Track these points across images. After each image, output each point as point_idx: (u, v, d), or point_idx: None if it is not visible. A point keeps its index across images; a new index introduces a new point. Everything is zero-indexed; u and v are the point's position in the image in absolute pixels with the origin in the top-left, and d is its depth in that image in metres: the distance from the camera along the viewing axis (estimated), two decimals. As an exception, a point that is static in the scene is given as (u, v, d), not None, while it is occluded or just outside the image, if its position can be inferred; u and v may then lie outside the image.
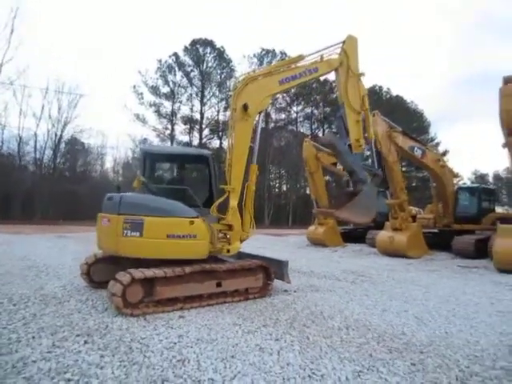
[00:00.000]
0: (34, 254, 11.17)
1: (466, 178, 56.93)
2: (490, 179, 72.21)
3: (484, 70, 73.66)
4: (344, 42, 8.16)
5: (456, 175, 17.07)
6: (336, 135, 8.52)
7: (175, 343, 4.41)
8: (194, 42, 46.57)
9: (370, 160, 8.92)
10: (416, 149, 15.32)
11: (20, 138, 36.77)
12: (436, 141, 56.87)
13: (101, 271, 6.94)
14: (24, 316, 5.20)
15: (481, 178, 71.74)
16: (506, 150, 10.56)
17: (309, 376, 3.73)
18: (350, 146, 8.09)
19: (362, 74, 8.22)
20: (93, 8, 71.54)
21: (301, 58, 7.70)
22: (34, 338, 4.41)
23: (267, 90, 7.27)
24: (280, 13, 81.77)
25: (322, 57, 7.87)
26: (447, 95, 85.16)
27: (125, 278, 5.37)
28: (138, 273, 5.49)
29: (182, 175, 8.16)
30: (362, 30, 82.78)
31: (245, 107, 6.77)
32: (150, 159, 7.36)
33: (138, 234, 5.97)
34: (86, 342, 4.33)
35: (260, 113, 7.40)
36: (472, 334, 5.24)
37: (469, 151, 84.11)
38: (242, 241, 7.10)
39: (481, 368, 4.10)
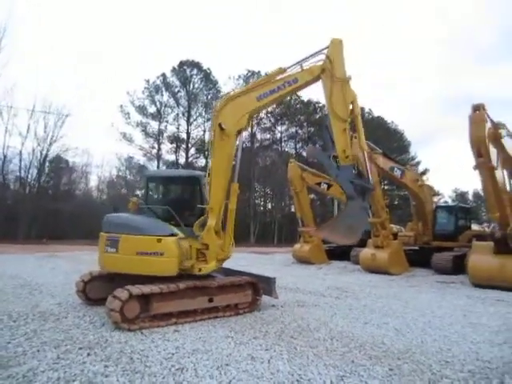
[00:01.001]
0: (25, 273, 11.27)
1: (446, 195, 58.74)
2: (470, 197, 74.31)
3: (465, 92, 76.88)
4: (328, 47, 7.58)
5: (436, 193, 17.89)
6: (319, 148, 8.93)
7: (173, 354, 4.75)
8: (181, 64, 47.44)
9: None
10: (396, 169, 16.12)
11: (4, 157, 36.49)
12: (416, 160, 58.55)
13: (96, 289, 7.23)
14: (26, 332, 5.46)
15: (461, 195, 73.73)
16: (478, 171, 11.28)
17: (297, 380, 4.13)
18: (336, 157, 7.49)
19: (349, 78, 7.44)
20: (83, 28, 72.28)
21: (281, 71, 7.45)
22: (38, 351, 4.70)
23: (244, 108, 7.27)
24: (266, 35, 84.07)
25: (302, 66, 7.50)
26: (428, 115, 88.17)
27: (123, 295, 5.69)
28: (136, 289, 5.82)
29: (179, 195, 8.53)
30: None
31: (220, 127, 7.07)
32: (151, 183, 8.00)
33: (114, 250, 6.63)
34: (89, 354, 4.63)
35: (240, 132, 7.40)
36: (445, 343, 5.72)
37: (449, 170, 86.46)
38: (220, 260, 7.14)
39: (451, 371, 4.57)
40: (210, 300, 6.58)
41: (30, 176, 38.45)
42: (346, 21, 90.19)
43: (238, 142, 7.50)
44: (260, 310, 7.30)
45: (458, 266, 14.55)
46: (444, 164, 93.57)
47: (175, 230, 6.80)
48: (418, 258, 16.54)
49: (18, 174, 38.36)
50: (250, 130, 50.69)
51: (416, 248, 17.57)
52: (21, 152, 37.08)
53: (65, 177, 45.25)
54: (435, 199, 17.89)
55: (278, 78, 7.48)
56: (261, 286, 7.38)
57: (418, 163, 57.85)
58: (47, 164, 40.39)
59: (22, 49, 56.41)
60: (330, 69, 7.38)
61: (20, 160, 37.31)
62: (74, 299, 7.51)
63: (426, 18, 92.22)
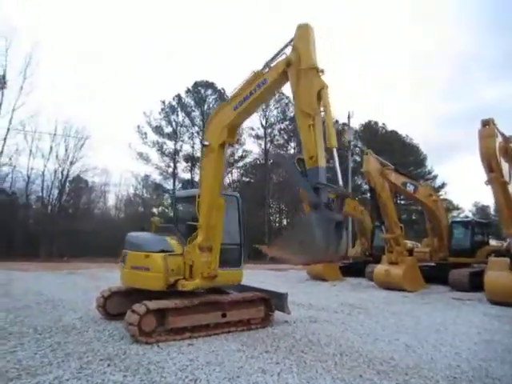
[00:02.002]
0: (47, 290, 11.72)
1: (466, 209, 57.61)
2: (492, 211, 72.62)
3: (485, 104, 76.37)
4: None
5: (456, 207, 17.84)
6: (282, 152, 8.27)
7: (187, 366, 5.01)
8: (196, 85, 48.70)
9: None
10: (408, 184, 16.15)
11: (28, 178, 37.93)
12: (433, 173, 57.94)
13: (115, 304, 7.56)
14: (50, 344, 5.81)
15: (482, 209, 72.05)
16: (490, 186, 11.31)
17: (305, 392, 4.31)
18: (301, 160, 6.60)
19: (321, 71, 6.39)
20: (101, 53, 75.06)
21: (257, 74, 6.97)
22: (63, 361, 5.03)
23: (223, 121, 7.20)
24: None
25: (268, 65, 6.92)
26: (447, 128, 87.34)
27: (141, 309, 6.00)
28: (152, 304, 6.12)
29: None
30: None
31: (202, 143, 7.37)
32: (179, 203, 8.58)
33: (123, 264, 7.41)
34: (109, 365, 4.93)
35: (223, 145, 7.28)
36: (455, 360, 5.80)
37: (470, 183, 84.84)
38: (206, 278, 6.93)
39: (457, 387, 4.67)
40: (223, 315, 6.82)
41: (51, 196, 39.80)
42: (363, 25, 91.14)
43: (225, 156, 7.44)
44: (272, 326, 7.49)
45: (476, 283, 14.31)
46: (465, 177, 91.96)
47: (171, 247, 7.10)
48: (434, 275, 16.35)
49: (40, 194, 39.76)
50: (263, 146, 51.49)
51: (432, 264, 17.41)
52: (43, 173, 38.51)
53: (84, 196, 46.43)
54: (455, 213, 17.80)
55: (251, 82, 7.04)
56: (273, 301, 7.59)
57: (435, 177, 57.28)
58: (68, 184, 41.70)
59: (44, 74, 58.78)
60: (296, 60, 6.45)
61: (42, 181, 38.71)
62: (95, 314, 7.84)
63: (448, 31, 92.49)
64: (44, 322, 7.30)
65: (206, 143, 7.24)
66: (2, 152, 35.06)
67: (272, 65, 6.85)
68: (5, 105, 34.91)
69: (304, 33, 6.54)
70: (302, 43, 6.49)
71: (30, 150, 37.35)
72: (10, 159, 35.95)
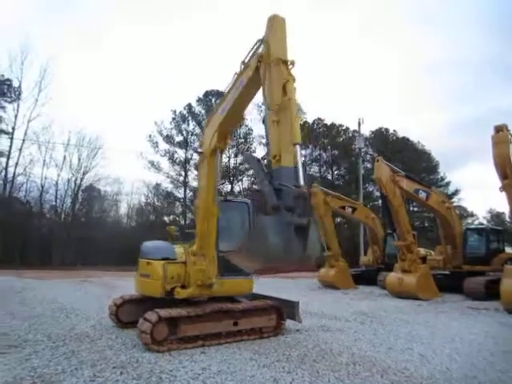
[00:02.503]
0: (61, 298, 11.86)
1: (481, 216, 56.71)
2: (507, 218, 71.26)
3: (495, 109, 75.44)
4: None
5: (470, 214, 17.60)
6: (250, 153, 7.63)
7: (199, 374, 5.01)
8: (206, 93, 49.20)
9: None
10: (420, 191, 15.95)
11: (42, 187, 38.60)
12: (446, 180, 57.29)
13: (127, 312, 7.61)
14: (64, 352, 5.87)
15: (496, 216, 70.74)
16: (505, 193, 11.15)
17: (318, 402, 4.27)
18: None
19: (291, 63, 6.00)
20: (113, 64, 76.43)
21: (236, 76, 6.75)
22: (76, 369, 5.07)
23: (213, 127, 7.21)
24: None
25: (244, 63, 6.63)
26: (459, 134, 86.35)
27: (153, 317, 6.03)
28: (164, 312, 6.15)
29: (226, 221, 8.25)
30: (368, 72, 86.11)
31: (196, 151, 7.51)
32: None
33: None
34: (121, 373, 4.96)
35: (214, 151, 7.23)
36: (471, 370, 5.66)
37: (485, 190, 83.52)
38: (202, 286, 6.87)
39: (473, 398, 4.57)
40: (235, 323, 6.81)
41: (64, 205, 40.42)
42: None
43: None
44: (284, 334, 7.44)
45: (492, 292, 14.05)
46: (479, 184, 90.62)
47: (175, 255, 7.19)
48: (449, 283, 16.07)
49: (53, 203, 40.41)
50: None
51: (446, 272, 17.14)
52: (57, 182, 39.19)
53: (97, 205, 46.99)
54: (469, 220, 17.59)
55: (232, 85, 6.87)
56: (284, 309, 7.55)
57: (448, 184, 56.63)
58: (80, 193, 42.33)
59: (57, 85, 60.01)
60: (266, 53, 6.10)
61: (56, 190, 39.39)
62: (107, 322, 7.90)
63: (455, 39, 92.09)
64: (58, 330, 7.38)
65: (200, 150, 7.38)
66: (17, 162, 35.84)
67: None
68: (20, 116, 35.80)
69: (273, 24, 6.22)
70: (271, 35, 6.18)
71: (44, 160, 38.09)
72: (25, 169, 36.69)
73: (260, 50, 6.25)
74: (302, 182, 5.35)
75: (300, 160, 5.56)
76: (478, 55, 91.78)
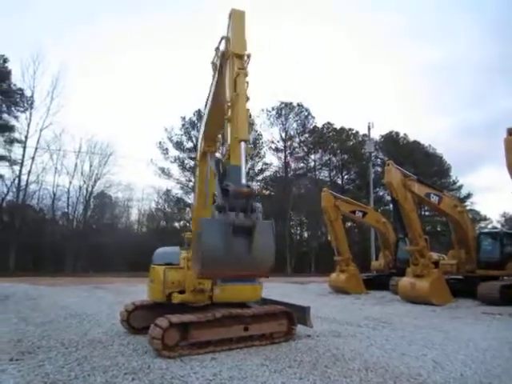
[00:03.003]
0: (73, 304, 11.99)
1: (494, 220, 55.85)
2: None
3: (507, 111, 74.51)
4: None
5: (483, 218, 17.38)
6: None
7: (211, 380, 5.00)
8: (215, 100, 49.57)
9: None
10: (432, 195, 15.78)
11: (54, 195, 39.17)
12: (458, 184, 56.72)
13: (139, 318, 7.64)
14: (77, 358, 5.90)
15: (510, 220, 69.69)
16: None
17: (329, 408, 4.23)
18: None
19: (248, 56, 5.95)
20: (123, 71, 77.48)
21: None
22: (89, 375, 5.10)
23: (201, 131, 7.53)
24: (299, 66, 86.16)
25: (212, 64, 6.60)
26: (472, 137, 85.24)
27: (163, 323, 6.04)
28: (175, 318, 6.16)
29: None
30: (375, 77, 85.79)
31: (189, 156, 7.54)
32: None
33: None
34: (133, 379, 4.98)
35: (204, 155, 7.34)
36: (486, 377, 5.55)
37: (499, 193, 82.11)
38: (197, 291, 6.91)
39: (489, 405, 4.48)
40: (246, 329, 6.78)
41: (76, 212, 40.92)
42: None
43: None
44: (295, 340, 7.39)
45: (506, 296, 13.85)
46: (492, 187, 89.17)
47: (179, 260, 7.30)
48: (462, 288, 15.85)
49: (65, 210, 40.96)
50: (283, 159, 51.54)
51: (459, 277, 16.91)
52: (68, 190, 39.72)
53: (108, 211, 47.48)
54: (482, 224, 17.35)
55: None
56: (295, 315, 7.50)
57: (460, 187, 56.03)
58: (92, 200, 42.83)
59: (69, 93, 61.01)
60: (226, 50, 6.07)
61: (68, 197, 39.92)
62: (119, 328, 7.94)
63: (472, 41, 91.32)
64: (70, 336, 7.43)
65: (192, 156, 7.50)
66: (30, 170, 36.44)
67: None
68: (32, 125, 36.47)
69: (232, 19, 6.15)
70: (230, 31, 6.09)
71: (56, 168, 38.67)
72: (38, 177, 37.28)
73: (222, 47, 6.20)
74: (243, 180, 5.13)
75: (243, 158, 5.29)
76: (489, 57, 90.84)
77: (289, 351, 6.59)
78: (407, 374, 5.53)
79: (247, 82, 5.73)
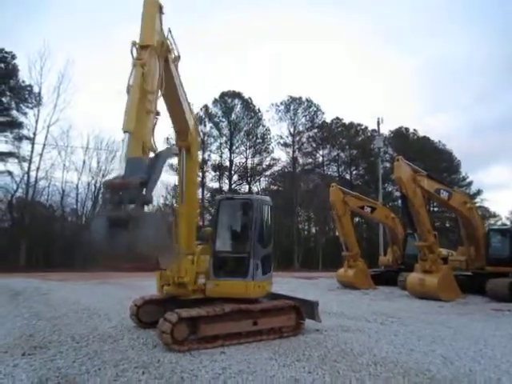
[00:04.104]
0: (84, 299, 12.11)
1: (504, 217, 55.22)
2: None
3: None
4: None
5: (492, 215, 17.18)
6: None
7: (220, 374, 5.05)
8: (222, 94, 49.55)
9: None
10: (442, 191, 15.59)
11: (63, 191, 39.51)
12: (468, 180, 56.16)
13: (148, 312, 7.71)
14: (88, 352, 5.99)
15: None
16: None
17: (339, 402, 4.25)
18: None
19: (145, 47, 5.79)
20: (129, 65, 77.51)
21: None
22: (99, 369, 5.18)
23: None
24: (307, 61, 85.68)
25: None
26: (482, 133, 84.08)
27: (173, 317, 6.10)
28: (184, 312, 6.21)
29: (235, 220, 8.31)
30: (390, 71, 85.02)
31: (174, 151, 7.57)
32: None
33: None
34: (143, 373, 5.04)
35: (180, 149, 7.57)
36: (495, 373, 5.54)
37: (507, 190, 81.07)
38: (178, 284, 7.03)
39: (498, 400, 4.47)
40: (255, 323, 6.82)
41: (85, 208, 41.24)
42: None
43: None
44: (303, 334, 7.42)
45: (516, 293, 13.75)
46: (503, 184, 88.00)
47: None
48: (471, 284, 15.74)
49: (74, 206, 41.30)
50: (291, 154, 51.38)
51: (468, 273, 16.78)
52: (77, 186, 40.03)
53: (117, 207, 47.76)
54: (491, 221, 17.15)
55: None
56: (304, 309, 7.53)
57: (470, 184, 55.48)
58: (100, 196, 43.10)
59: (75, 89, 61.25)
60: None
61: (76, 193, 40.22)
62: (128, 322, 8.02)
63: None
64: (81, 330, 7.53)
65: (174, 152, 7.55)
66: (38, 167, 36.77)
67: None
68: (40, 121, 36.75)
69: (144, 6, 6.03)
70: (142, 18, 5.97)
71: (64, 164, 38.94)
72: (46, 173, 37.59)
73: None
74: (123, 172, 5.19)
75: (124, 150, 5.33)
76: (505, 53, 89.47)
77: (297, 345, 6.63)
78: (416, 369, 5.53)
79: (141, 73, 5.52)
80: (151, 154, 6.02)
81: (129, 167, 5.22)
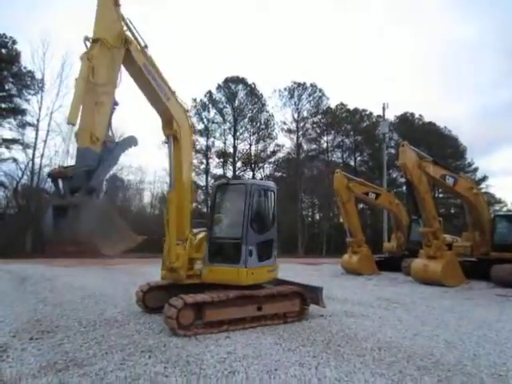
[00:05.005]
0: (90, 285, 12.24)
1: (509, 203, 54.83)
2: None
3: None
4: None
5: (498, 201, 17.03)
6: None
7: (225, 358, 5.10)
8: (226, 80, 49.04)
9: None
10: (448, 177, 15.46)
11: (68, 178, 39.44)
12: (473, 166, 55.65)
13: (154, 298, 7.78)
14: (95, 336, 6.06)
15: (526, 203, 68.35)
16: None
17: (343, 386, 4.29)
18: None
19: (95, 40, 5.85)
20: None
21: None
22: (106, 353, 5.24)
23: None
24: (311, 46, 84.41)
25: None
26: (487, 119, 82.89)
27: (178, 303, 6.15)
28: (189, 298, 6.26)
29: (232, 204, 8.37)
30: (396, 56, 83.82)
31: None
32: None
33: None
34: (150, 357, 5.11)
35: (168, 137, 7.58)
36: (500, 357, 5.57)
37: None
38: (170, 269, 7.13)
39: (503, 385, 4.49)
40: (259, 309, 6.87)
41: (89, 195, 41.27)
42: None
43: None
44: (308, 319, 7.48)
45: (521, 279, 13.74)
46: (508, 170, 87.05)
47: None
48: (476, 270, 15.73)
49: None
50: (295, 140, 51.09)
51: (473, 259, 16.77)
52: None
53: (120, 194, 47.91)
54: (497, 207, 17.01)
55: None
56: (308, 295, 7.56)
57: (476, 170, 55.02)
58: (104, 183, 43.14)
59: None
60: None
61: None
62: (134, 308, 8.11)
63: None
64: (88, 315, 7.62)
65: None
66: (43, 154, 36.80)
67: None
68: (44, 108, 36.61)
69: (97, 2, 6.03)
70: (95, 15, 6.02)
71: (68, 151, 38.77)
72: (51, 160, 37.56)
73: None
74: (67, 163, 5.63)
75: (67, 140, 5.70)
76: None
77: (302, 330, 6.68)
78: (420, 354, 5.56)
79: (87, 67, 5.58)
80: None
81: (78, 157, 5.59)
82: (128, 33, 6.55)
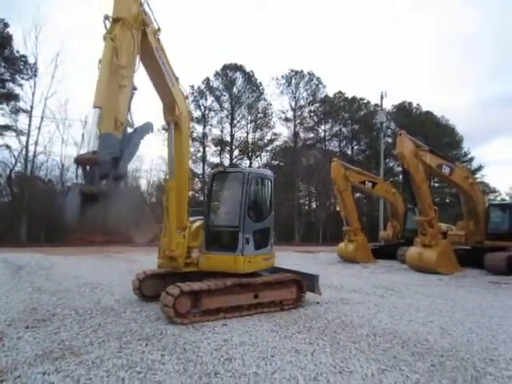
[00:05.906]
0: (86, 273, 12.25)
1: (503, 193, 55.20)
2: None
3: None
4: None
5: (492, 190, 17.14)
6: None
7: (222, 345, 5.14)
8: (224, 67, 48.56)
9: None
10: (444, 166, 15.50)
11: (62, 166, 39.17)
12: (469, 156, 55.81)
13: (150, 286, 7.79)
14: (91, 325, 6.08)
15: (519, 193, 68.81)
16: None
17: (339, 372, 4.35)
18: None
19: (117, 20, 5.66)
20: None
21: None
22: (103, 341, 5.26)
23: None
24: (309, 34, 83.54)
25: None
26: (484, 109, 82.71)
27: (175, 291, 6.16)
28: (186, 286, 6.27)
29: (228, 193, 8.48)
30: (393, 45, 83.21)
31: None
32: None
33: None
34: (147, 345, 5.14)
35: (168, 125, 7.47)
36: (492, 342, 5.66)
37: (506, 166, 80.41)
38: (169, 258, 7.14)
39: (495, 369, 4.57)
40: (256, 296, 6.92)
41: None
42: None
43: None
44: (304, 307, 7.55)
45: (513, 267, 13.91)
46: (502, 160, 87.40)
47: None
48: (470, 258, 15.90)
49: (74, 181, 41.02)
50: (292, 129, 50.88)
51: (467, 248, 16.94)
52: (76, 160, 39.63)
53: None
54: (491, 196, 17.12)
55: None
56: (304, 282, 7.61)
57: (471, 159, 55.18)
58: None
59: (73, 61, 59.92)
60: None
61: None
62: (131, 296, 8.13)
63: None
64: (84, 304, 7.64)
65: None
66: (37, 141, 36.37)
67: None
68: (37, 94, 36.03)
69: None
70: None
71: (63, 138, 38.35)
72: (45, 148, 37.15)
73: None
74: (90, 148, 5.33)
75: (93, 125, 5.35)
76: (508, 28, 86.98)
77: (298, 318, 6.74)
78: (415, 340, 5.64)
79: (111, 47, 5.39)
80: (130, 129, 6.22)
81: (102, 143, 5.31)
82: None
